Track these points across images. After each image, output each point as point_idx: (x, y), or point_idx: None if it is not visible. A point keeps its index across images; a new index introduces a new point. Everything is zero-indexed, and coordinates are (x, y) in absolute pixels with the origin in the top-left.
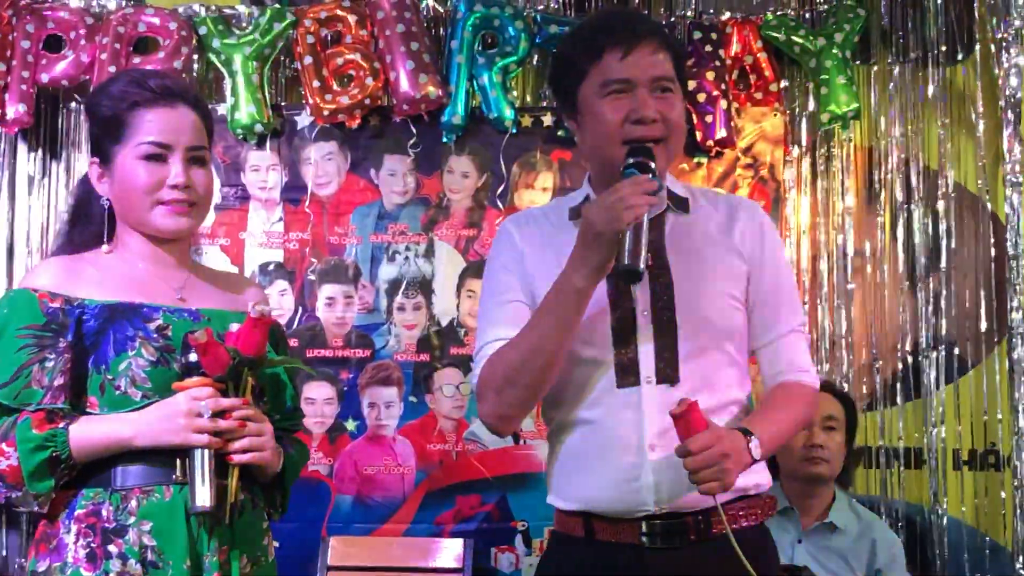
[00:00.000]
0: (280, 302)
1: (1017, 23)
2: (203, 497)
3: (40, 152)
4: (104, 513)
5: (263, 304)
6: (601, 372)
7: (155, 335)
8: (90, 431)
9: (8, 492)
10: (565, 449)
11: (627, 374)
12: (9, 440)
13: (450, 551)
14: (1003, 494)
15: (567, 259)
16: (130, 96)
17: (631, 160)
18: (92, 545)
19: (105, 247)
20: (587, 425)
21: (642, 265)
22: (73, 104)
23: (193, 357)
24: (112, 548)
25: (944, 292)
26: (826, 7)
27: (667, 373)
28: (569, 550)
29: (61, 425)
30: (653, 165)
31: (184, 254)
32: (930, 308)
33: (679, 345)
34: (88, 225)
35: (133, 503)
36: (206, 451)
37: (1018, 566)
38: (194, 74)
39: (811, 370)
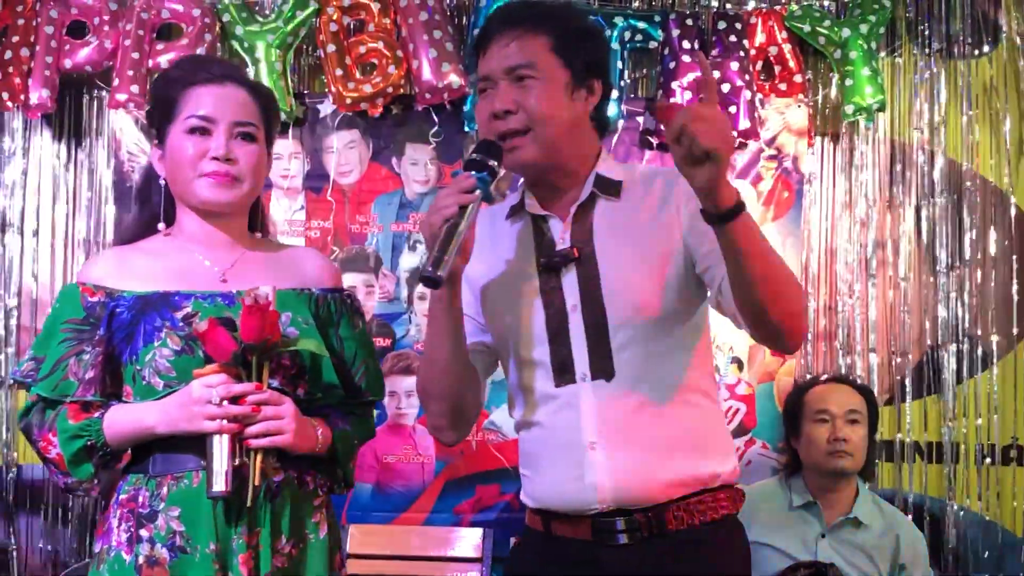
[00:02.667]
0: None
1: None
2: (219, 482)
3: (62, 137)
4: (140, 499)
5: (261, 289)
6: (540, 372)
7: (181, 324)
8: (119, 419)
9: (62, 478)
10: (521, 449)
11: (563, 372)
12: (53, 430)
13: (469, 540)
14: None
15: (503, 260)
16: (184, 78)
17: (474, 156)
18: (131, 529)
19: (161, 226)
20: (534, 427)
21: (442, 271)
22: (96, 91)
23: None
24: (144, 532)
25: (967, 285)
26: None
27: (602, 367)
28: (532, 545)
29: (96, 415)
30: (493, 162)
31: (240, 232)
32: (953, 301)
33: (611, 337)
34: (147, 208)
35: (164, 489)
36: (221, 437)
37: None
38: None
39: None
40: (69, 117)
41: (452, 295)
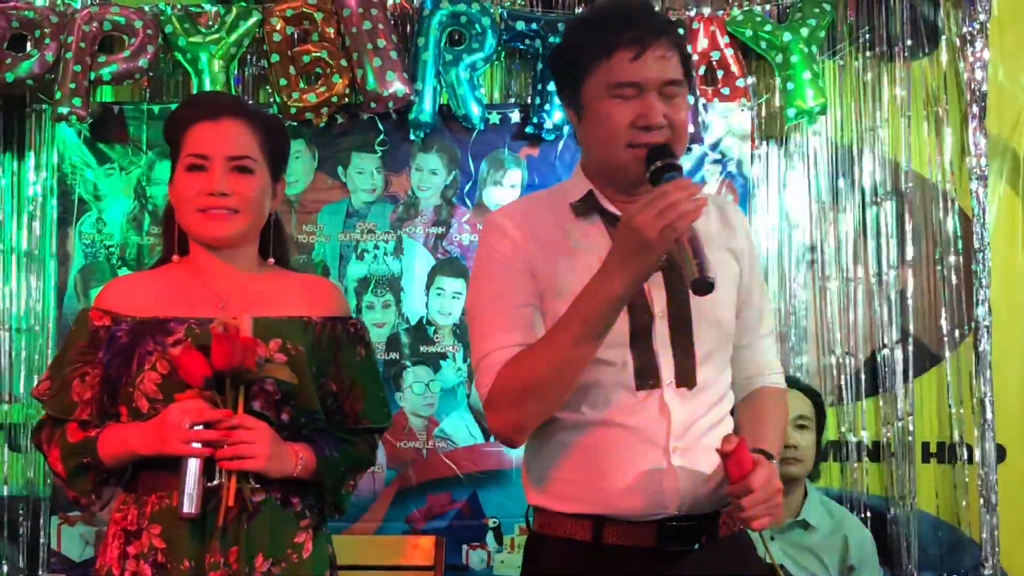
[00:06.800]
0: None
1: (982, 17)
2: (188, 504)
3: (5, 151)
4: (129, 517)
5: (228, 319)
6: (618, 373)
7: (171, 348)
8: (111, 439)
9: (69, 492)
10: (576, 450)
11: (647, 376)
12: (57, 447)
13: (422, 549)
14: (972, 487)
15: (581, 260)
16: (185, 116)
17: (660, 163)
18: (121, 546)
19: (176, 258)
20: (605, 427)
21: (713, 273)
22: (38, 104)
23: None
24: (131, 549)
25: (911, 286)
26: (792, 2)
27: (686, 376)
28: (569, 554)
29: (93, 434)
30: (680, 163)
31: (248, 260)
32: (897, 302)
33: (695, 347)
34: (167, 240)
35: (149, 507)
36: (193, 460)
37: (982, 557)
38: (160, 72)
39: (780, 370)
40: (11, 131)
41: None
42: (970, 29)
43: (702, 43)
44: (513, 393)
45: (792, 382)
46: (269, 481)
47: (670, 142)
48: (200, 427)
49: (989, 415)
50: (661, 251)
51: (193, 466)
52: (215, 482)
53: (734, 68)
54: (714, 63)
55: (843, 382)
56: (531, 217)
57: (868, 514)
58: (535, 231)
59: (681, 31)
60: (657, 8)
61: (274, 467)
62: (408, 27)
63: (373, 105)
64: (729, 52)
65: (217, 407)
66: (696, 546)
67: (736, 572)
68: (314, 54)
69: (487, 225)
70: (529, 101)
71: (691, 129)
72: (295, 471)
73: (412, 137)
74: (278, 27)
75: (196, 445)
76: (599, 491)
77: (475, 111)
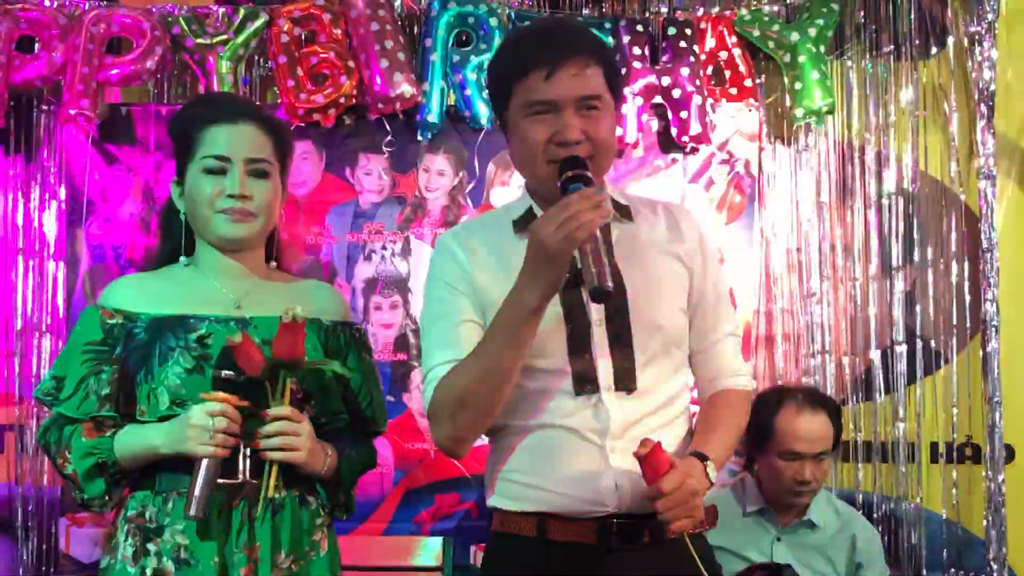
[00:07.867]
0: None
1: (990, 17)
2: (195, 507)
3: (13, 153)
4: (148, 514)
5: (294, 309)
6: (557, 380)
7: (194, 344)
8: (129, 438)
9: (79, 493)
10: (520, 453)
11: (584, 382)
12: (69, 448)
13: (430, 549)
14: (980, 487)
15: (513, 270)
16: (200, 116)
17: (570, 173)
18: (137, 544)
19: (183, 259)
20: (546, 429)
21: (610, 282)
22: (47, 105)
23: (223, 372)
24: (151, 546)
25: (919, 286)
26: (800, 2)
27: (625, 381)
28: (519, 550)
29: (108, 433)
30: (589, 174)
31: (256, 262)
32: (905, 302)
33: (635, 354)
34: (169, 240)
35: (170, 504)
36: (208, 462)
37: (990, 557)
38: (168, 74)
39: (745, 372)
40: (20, 132)
41: (544, 309)
42: (978, 29)
43: (710, 43)
44: (448, 406)
45: (813, 399)
46: (292, 478)
47: (592, 156)
48: (221, 430)
49: (997, 415)
50: (565, 261)
51: (206, 468)
52: (238, 480)
53: (742, 68)
54: (722, 63)
55: (851, 382)
56: (475, 236)
57: (876, 514)
58: (478, 250)
59: (688, 31)
60: (662, 9)
61: (312, 461)
62: (415, 28)
63: (380, 106)
64: (737, 52)
65: (242, 405)
66: (640, 545)
67: (683, 574)
68: (321, 55)
69: (435, 246)
70: None
71: (698, 129)
72: (323, 468)
73: (419, 138)
74: (285, 28)
75: (210, 448)
76: (540, 489)
77: (482, 111)
